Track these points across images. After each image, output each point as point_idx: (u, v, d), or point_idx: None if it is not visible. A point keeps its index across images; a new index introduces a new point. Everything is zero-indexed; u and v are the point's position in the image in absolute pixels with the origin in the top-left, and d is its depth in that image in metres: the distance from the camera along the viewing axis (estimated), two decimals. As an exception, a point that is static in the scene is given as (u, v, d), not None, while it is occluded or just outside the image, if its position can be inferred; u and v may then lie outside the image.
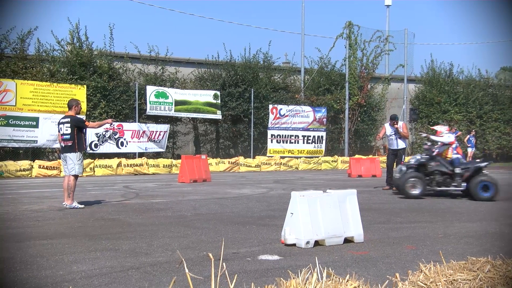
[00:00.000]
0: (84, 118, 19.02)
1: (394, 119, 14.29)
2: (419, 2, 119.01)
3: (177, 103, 22.83)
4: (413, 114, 30.18)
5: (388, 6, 39.89)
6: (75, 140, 9.89)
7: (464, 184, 11.90)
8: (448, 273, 3.76)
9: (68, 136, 9.93)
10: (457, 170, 11.98)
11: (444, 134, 12.53)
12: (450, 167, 12.04)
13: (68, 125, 9.92)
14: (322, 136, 26.40)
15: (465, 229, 7.83)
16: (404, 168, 12.63)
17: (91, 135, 20.24)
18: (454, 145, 12.89)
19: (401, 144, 14.19)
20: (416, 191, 11.85)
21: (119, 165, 19.99)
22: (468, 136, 28.34)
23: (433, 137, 12.66)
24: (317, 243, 6.32)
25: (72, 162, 9.89)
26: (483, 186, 11.52)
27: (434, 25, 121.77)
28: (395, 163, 14.12)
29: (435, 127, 13.32)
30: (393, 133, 14.16)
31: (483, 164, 12.02)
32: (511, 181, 18.11)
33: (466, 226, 8.09)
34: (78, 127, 9.98)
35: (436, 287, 3.54)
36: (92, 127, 11.05)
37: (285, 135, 25.44)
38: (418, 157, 12.51)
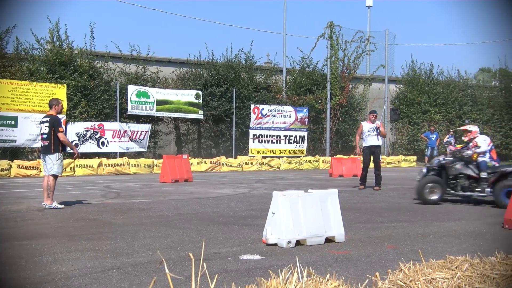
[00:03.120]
0: (64, 119, 18.97)
1: (375, 112, 14.36)
2: (400, 3, 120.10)
3: (159, 102, 22.72)
4: (394, 114, 30.47)
5: (369, 7, 40.13)
6: (52, 140, 9.78)
7: (488, 189, 10.76)
8: (427, 272, 3.80)
9: (45, 136, 9.84)
10: (483, 175, 10.86)
11: (481, 140, 11.34)
12: (476, 171, 10.98)
13: (47, 124, 9.83)
14: (303, 136, 26.48)
15: (445, 228, 7.93)
16: (424, 170, 11.65)
17: (71, 134, 20.05)
18: (489, 147, 11.56)
19: (378, 141, 14.02)
20: (434, 197, 10.81)
21: (100, 165, 19.82)
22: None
23: (470, 151, 11.26)
24: (298, 242, 6.35)
25: (51, 161, 9.80)
26: (507, 192, 10.14)
27: (414, 26, 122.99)
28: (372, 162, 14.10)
29: (467, 127, 11.94)
30: (372, 129, 13.93)
31: (510, 169, 10.81)
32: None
33: (446, 226, 8.19)
34: (55, 128, 9.86)
35: (415, 286, 3.58)
36: (62, 138, 9.87)
37: (267, 135, 25.46)
38: (441, 158, 11.54)
